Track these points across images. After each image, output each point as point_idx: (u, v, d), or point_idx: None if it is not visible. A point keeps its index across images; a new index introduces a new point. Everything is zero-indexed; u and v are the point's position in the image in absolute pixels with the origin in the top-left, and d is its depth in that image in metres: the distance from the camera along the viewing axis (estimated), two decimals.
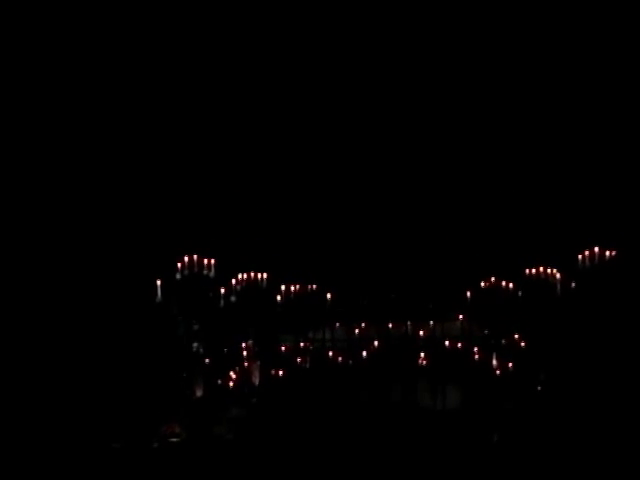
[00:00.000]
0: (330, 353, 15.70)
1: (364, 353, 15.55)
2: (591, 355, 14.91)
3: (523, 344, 15.52)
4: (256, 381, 15.32)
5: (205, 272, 15.01)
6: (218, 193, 17.30)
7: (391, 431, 14.08)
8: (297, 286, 16.09)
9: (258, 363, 15.37)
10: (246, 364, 15.43)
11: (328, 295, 16.00)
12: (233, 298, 15.37)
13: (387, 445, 13.80)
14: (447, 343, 15.64)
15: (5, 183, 16.60)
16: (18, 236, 16.23)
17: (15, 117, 16.72)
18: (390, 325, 16.08)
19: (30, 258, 16.09)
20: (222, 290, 15.28)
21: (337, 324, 16.21)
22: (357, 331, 16.07)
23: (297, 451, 13.67)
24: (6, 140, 16.78)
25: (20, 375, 14.86)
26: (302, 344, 15.92)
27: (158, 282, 14.85)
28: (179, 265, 14.99)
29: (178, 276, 14.97)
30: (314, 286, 16.18)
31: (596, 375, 14.65)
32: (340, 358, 15.66)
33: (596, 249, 15.41)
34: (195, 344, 15.03)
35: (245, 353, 15.49)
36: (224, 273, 15.35)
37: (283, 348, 15.85)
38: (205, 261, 15.02)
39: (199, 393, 14.70)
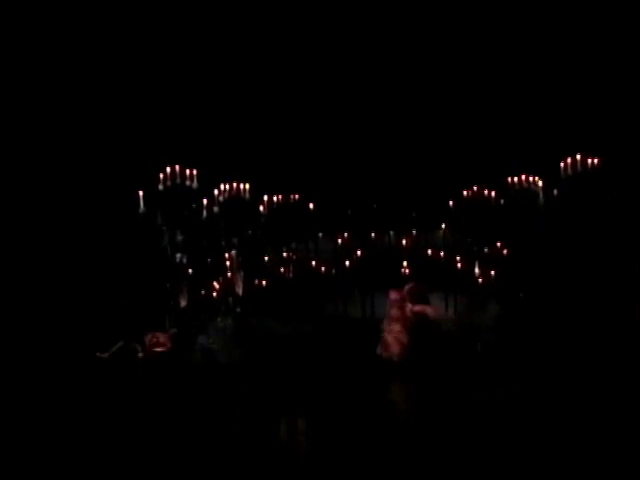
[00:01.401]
0: (313, 263, 15.74)
1: (347, 263, 15.59)
2: (573, 263, 14.95)
3: (505, 252, 15.58)
4: (240, 291, 15.35)
5: (188, 183, 14.77)
6: (199, 102, 17.03)
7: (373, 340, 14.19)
8: (280, 196, 16.03)
9: (242, 273, 15.44)
10: (230, 274, 15.46)
11: (311, 205, 16.09)
12: (216, 209, 15.28)
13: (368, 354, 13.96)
14: (430, 252, 15.70)
15: None
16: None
17: None
18: (373, 235, 16.15)
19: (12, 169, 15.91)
20: (205, 201, 15.20)
21: (320, 234, 16.26)
22: (340, 241, 16.07)
23: (280, 360, 13.80)
24: None
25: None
26: (285, 254, 15.95)
27: (140, 193, 14.65)
28: (161, 176, 14.72)
29: (161, 187, 14.72)
30: (297, 196, 16.15)
31: (578, 283, 14.70)
32: (323, 268, 15.70)
33: (578, 156, 15.34)
34: (178, 255, 15.02)
35: (229, 264, 15.49)
36: (207, 184, 15.24)
37: (266, 259, 15.86)
38: (187, 172, 14.77)
39: (183, 303, 14.74)
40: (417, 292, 14.54)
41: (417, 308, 13.75)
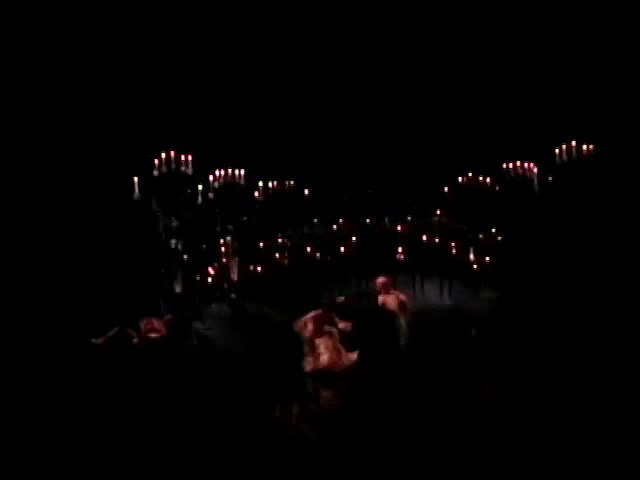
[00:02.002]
0: (309, 249, 15.69)
1: (342, 249, 15.54)
2: (568, 249, 14.99)
3: (500, 238, 15.60)
4: (235, 277, 15.32)
5: (182, 169, 14.64)
6: (195, 88, 17.02)
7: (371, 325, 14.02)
8: (275, 183, 16.00)
9: (237, 259, 15.37)
10: (225, 260, 15.45)
11: (306, 191, 16.05)
12: (211, 195, 15.22)
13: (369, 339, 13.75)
14: (425, 238, 15.64)
15: None
16: None
17: None
18: (368, 221, 16.14)
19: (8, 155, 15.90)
20: (200, 187, 15.11)
21: (315, 221, 16.26)
22: (335, 227, 16.10)
23: (276, 342, 13.72)
24: None
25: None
26: (280, 241, 15.95)
27: (135, 179, 14.63)
28: (156, 162, 14.61)
29: (155, 173, 14.61)
30: (292, 182, 16.11)
31: (572, 267, 14.72)
32: (319, 254, 15.66)
33: (573, 143, 15.30)
34: (173, 240, 14.85)
35: (224, 250, 15.47)
36: (202, 170, 15.13)
37: (262, 244, 15.85)
38: (182, 157, 14.65)
39: (178, 289, 14.63)
40: (388, 284, 14.51)
41: (341, 325, 13.36)
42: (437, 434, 9.26)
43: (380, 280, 14.27)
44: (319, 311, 13.33)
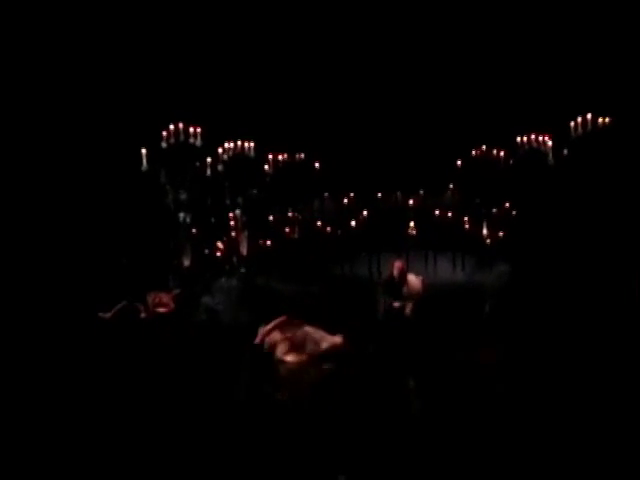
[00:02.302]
0: (319, 223, 15.63)
1: (353, 223, 15.44)
2: (582, 224, 14.85)
3: (514, 213, 15.46)
4: (244, 251, 15.25)
5: (191, 141, 14.70)
6: (204, 59, 16.83)
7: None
8: (285, 155, 15.88)
9: (246, 233, 15.32)
10: (234, 234, 15.35)
11: (316, 164, 15.86)
12: (220, 167, 15.13)
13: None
14: (437, 213, 15.54)
15: None
16: None
17: None
18: (379, 195, 16.01)
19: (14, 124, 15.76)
20: (209, 159, 15.03)
21: (326, 194, 16.13)
22: (346, 201, 15.95)
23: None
24: None
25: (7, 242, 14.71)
26: (290, 214, 15.85)
27: (143, 151, 14.55)
28: (164, 134, 14.62)
29: (164, 145, 14.63)
30: (302, 155, 15.99)
31: (587, 242, 14.57)
32: (329, 228, 15.59)
33: (589, 116, 15.15)
34: (182, 214, 14.89)
35: (233, 223, 15.40)
36: (211, 142, 15.08)
37: (271, 218, 15.78)
38: (191, 129, 14.68)
39: (187, 263, 14.62)
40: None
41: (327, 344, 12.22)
42: (444, 416, 9.17)
43: (398, 264, 13.40)
44: (282, 319, 12.21)
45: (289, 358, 11.44)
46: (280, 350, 11.45)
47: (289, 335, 11.52)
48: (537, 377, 10.29)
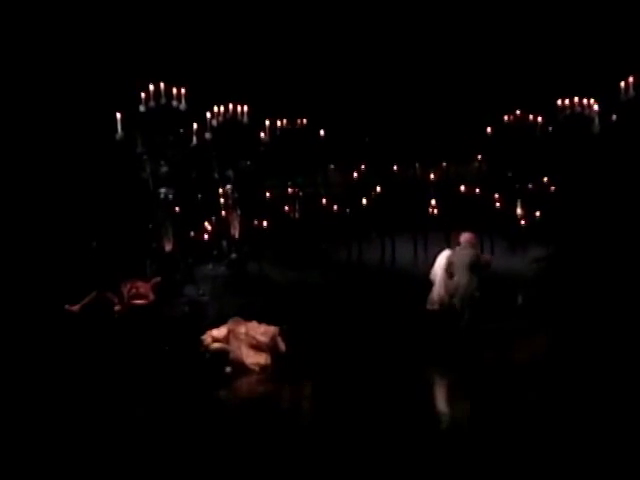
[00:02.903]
0: (323, 201, 14.90)
1: (364, 201, 14.74)
2: (631, 203, 13.76)
3: (553, 189, 14.65)
4: (235, 233, 14.57)
5: (174, 103, 13.70)
6: (189, 8, 15.66)
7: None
8: (284, 121, 14.99)
9: (238, 212, 14.67)
10: (224, 213, 14.77)
11: (321, 132, 14.99)
12: (208, 135, 14.19)
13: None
14: (463, 189, 14.78)
15: None
16: None
17: None
18: (395, 168, 15.21)
19: None
20: (195, 125, 14.02)
21: (332, 166, 15.28)
22: (355, 175, 15.13)
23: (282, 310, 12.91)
24: None
25: None
26: (290, 190, 15.09)
27: (118, 115, 13.56)
28: (143, 95, 13.66)
29: (142, 108, 13.66)
30: (304, 121, 15.04)
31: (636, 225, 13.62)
32: (335, 207, 14.84)
33: None
34: (163, 189, 13.93)
35: (223, 201, 14.75)
36: (197, 105, 14.07)
37: (268, 195, 15.07)
38: (174, 90, 13.69)
39: (168, 247, 13.91)
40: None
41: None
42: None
43: (467, 236, 12.84)
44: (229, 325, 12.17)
45: (258, 361, 11.73)
46: (246, 357, 11.69)
47: (243, 339, 11.83)
48: (572, 385, 10.04)
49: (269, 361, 11.80)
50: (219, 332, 11.85)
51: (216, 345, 11.77)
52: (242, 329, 11.95)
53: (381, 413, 9.35)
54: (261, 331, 12.03)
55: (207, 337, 11.87)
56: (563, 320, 12.64)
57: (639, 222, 13.74)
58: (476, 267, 12.55)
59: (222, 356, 11.89)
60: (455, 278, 12.52)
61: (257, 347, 11.87)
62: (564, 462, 7.55)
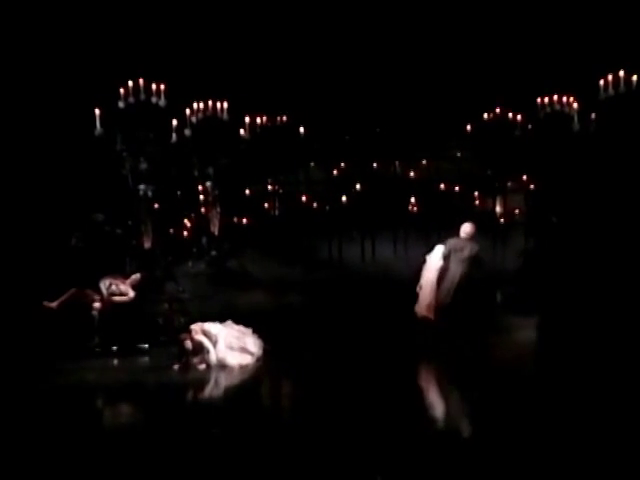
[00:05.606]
0: (303, 198, 14.97)
1: (344, 198, 14.81)
2: (612, 200, 13.78)
3: (532, 187, 14.71)
4: (215, 230, 14.62)
5: (154, 100, 13.63)
6: (169, 3, 15.69)
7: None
8: (264, 118, 15.08)
9: (218, 209, 14.70)
10: (204, 210, 14.86)
11: (301, 129, 15.06)
12: (188, 131, 14.07)
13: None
14: (442, 186, 14.91)
15: None
16: None
17: None
18: (375, 165, 15.28)
19: None
20: (174, 122, 13.92)
21: (312, 163, 15.33)
22: (336, 172, 15.24)
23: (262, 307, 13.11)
24: None
25: None
26: (270, 187, 15.22)
27: (97, 111, 13.41)
28: (122, 91, 13.54)
29: (121, 104, 13.55)
30: (285, 118, 15.18)
31: (616, 222, 13.66)
32: (315, 204, 14.96)
33: (621, 73, 13.96)
34: (143, 186, 13.88)
35: (202, 197, 14.84)
36: (176, 101, 13.98)
37: (247, 192, 15.11)
38: (153, 86, 13.62)
39: (148, 244, 13.88)
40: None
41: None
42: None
43: (468, 228, 12.70)
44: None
45: (242, 361, 11.68)
46: (231, 359, 11.66)
47: (228, 340, 11.82)
48: (558, 380, 10.06)
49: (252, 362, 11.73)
50: (210, 328, 11.69)
51: (200, 338, 11.61)
52: (234, 333, 11.85)
53: (365, 409, 9.25)
54: (251, 341, 11.98)
55: (197, 327, 11.66)
56: (543, 316, 12.64)
57: (619, 218, 13.62)
58: (475, 262, 12.46)
59: (196, 349, 11.65)
60: (451, 271, 12.35)
61: (244, 351, 11.71)
62: (551, 457, 7.53)
